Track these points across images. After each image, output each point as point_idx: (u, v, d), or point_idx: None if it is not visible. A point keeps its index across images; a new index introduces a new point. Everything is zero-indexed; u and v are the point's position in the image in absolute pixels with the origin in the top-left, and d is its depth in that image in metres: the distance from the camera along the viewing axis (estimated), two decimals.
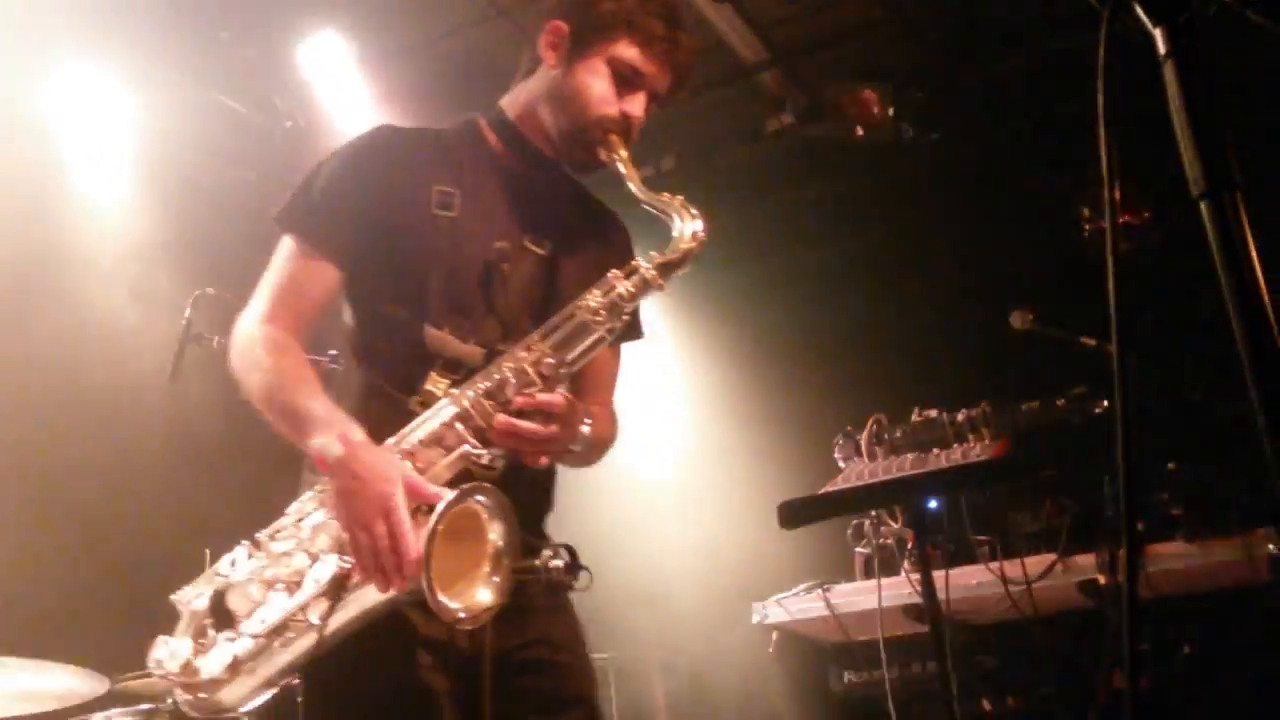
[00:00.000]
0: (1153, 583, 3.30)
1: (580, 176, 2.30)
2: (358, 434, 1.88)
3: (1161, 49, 1.16)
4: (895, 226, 5.60)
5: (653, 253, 2.08)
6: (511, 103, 2.26)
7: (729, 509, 5.25)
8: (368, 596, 1.83)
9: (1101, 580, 3.33)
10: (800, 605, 3.90)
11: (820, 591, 3.87)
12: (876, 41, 5.23)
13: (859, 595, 3.78)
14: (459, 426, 1.93)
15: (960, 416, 3.42)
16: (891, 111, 5.26)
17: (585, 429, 2.04)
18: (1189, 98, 1.12)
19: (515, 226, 2.17)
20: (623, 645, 5.11)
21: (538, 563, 1.91)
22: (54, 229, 4.13)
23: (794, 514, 3.17)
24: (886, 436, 3.49)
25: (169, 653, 1.85)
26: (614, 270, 2.05)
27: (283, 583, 1.85)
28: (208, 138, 4.66)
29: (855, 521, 3.87)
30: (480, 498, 1.81)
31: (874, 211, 5.69)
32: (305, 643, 1.82)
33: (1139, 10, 1.17)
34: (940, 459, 3.26)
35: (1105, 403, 3.33)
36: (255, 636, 1.83)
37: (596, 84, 2.15)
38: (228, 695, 1.84)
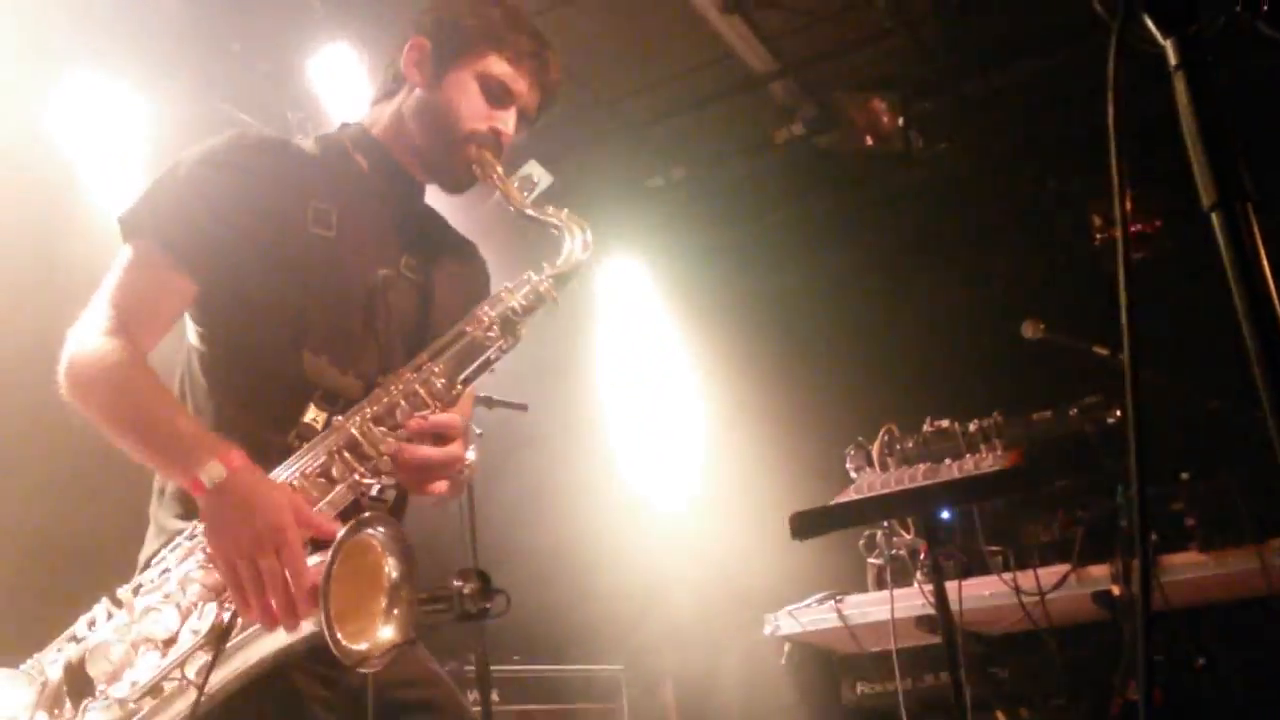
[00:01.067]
0: (1167, 594, 3.29)
1: (451, 195, 2.18)
2: (240, 458, 1.70)
3: (1172, 60, 1.16)
4: (905, 236, 5.61)
5: (544, 264, 2.02)
6: (375, 122, 2.16)
7: (741, 520, 5.24)
8: (253, 648, 1.67)
9: (1115, 591, 3.32)
10: (812, 616, 3.89)
11: (833, 602, 3.86)
12: (886, 52, 5.23)
13: (871, 606, 3.77)
14: (347, 455, 1.81)
15: (972, 426, 3.41)
16: (901, 121, 5.26)
17: (472, 454, 1.96)
18: (1199, 109, 1.12)
19: (392, 251, 2.07)
20: (634, 656, 5.11)
21: (448, 591, 1.81)
22: (64, 239, 4.13)
23: (806, 525, 3.16)
24: (898, 447, 3.49)
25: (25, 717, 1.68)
26: (505, 285, 1.99)
27: (152, 641, 1.69)
28: None
29: (867, 532, 3.87)
30: (375, 529, 1.68)
31: (884, 221, 5.69)
32: (181, 706, 1.65)
33: (1149, 22, 1.17)
34: (953, 469, 3.25)
35: (1118, 412, 3.32)
36: (123, 701, 1.66)
37: (466, 100, 2.07)
38: None
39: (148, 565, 1.82)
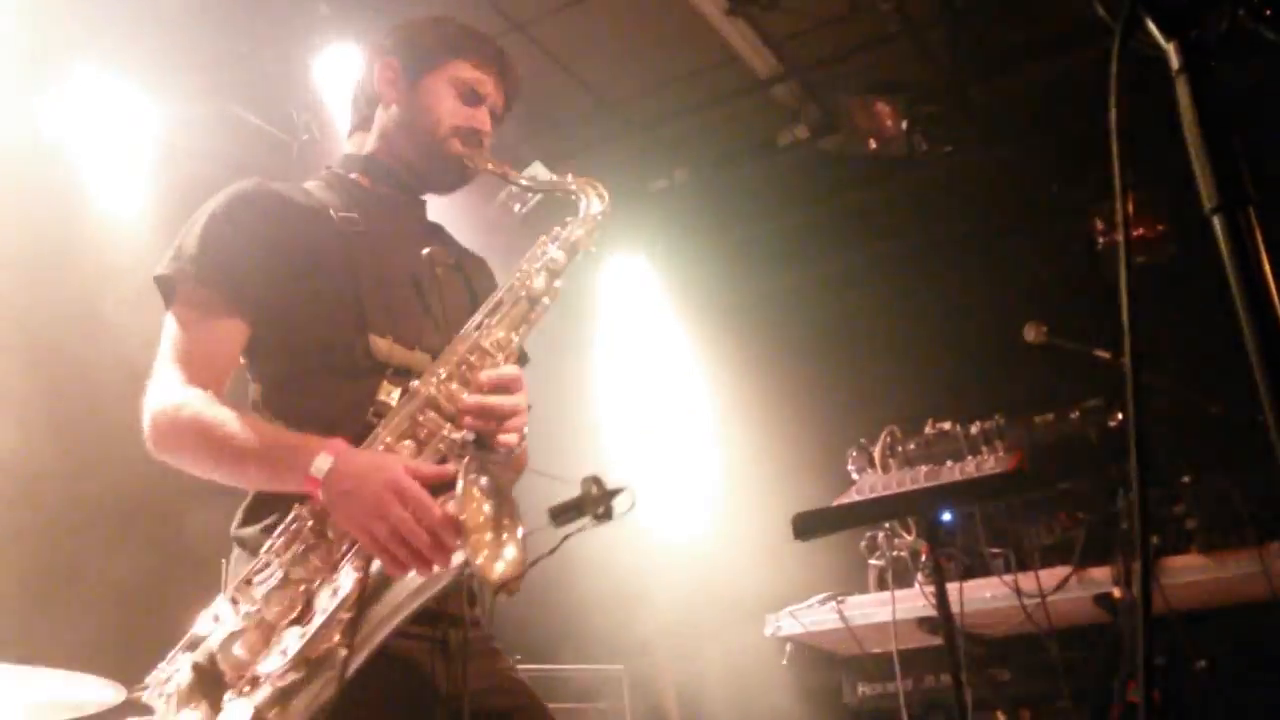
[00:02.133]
0: (1168, 596, 3.29)
1: (446, 194, 2.32)
2: (339, 443, 1.81)
3: (1174, 64, 1.17)
4: (909, 239, 5.62)
5: (569, 219, 2.16)
6: (361, 147, 2.29)
7: (743, 520, 5.25)
8: (390, 599, 1.74)
9: (1116, 593, 3.33)
10: (814, 617, 3.90)
11: (834, 603, 3.87)
12: (890, 55, 5.24)
13: (873, 607, 3.78)
14: (430, 414, 1.89)
15: (974, 429, 3.43)
16: (905, 125, 5.26)
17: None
18: (1202, 112, 1.13)
19: (420, 241, 2.19)
20: (636, 656, 5.12)
21: (579, 498, 1.85)
22: (72, 239, 4.16)
23: (808, 526, 3.17)
24: (900, 449, 3.50)
25: None
26: (541, 237, 2.12)
27: (287, 618, 1.74)
28: (225, 150, 4.69)
29: (869, 533, 3.88)
30: (476, 463, 1.76)
31: (887, 224, 5.70)
32: (330, 673, 1.69)
33: (1152, 25, 1.18)
34: (954, 471, 3.26)
35: (1119, 415, 3.33)
36: (272, 675, 1.69)
37: (443, 102, 2.21)
38: None
39: (248, 581, 1.84)
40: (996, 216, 5.37)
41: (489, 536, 1.70)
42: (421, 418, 1.89)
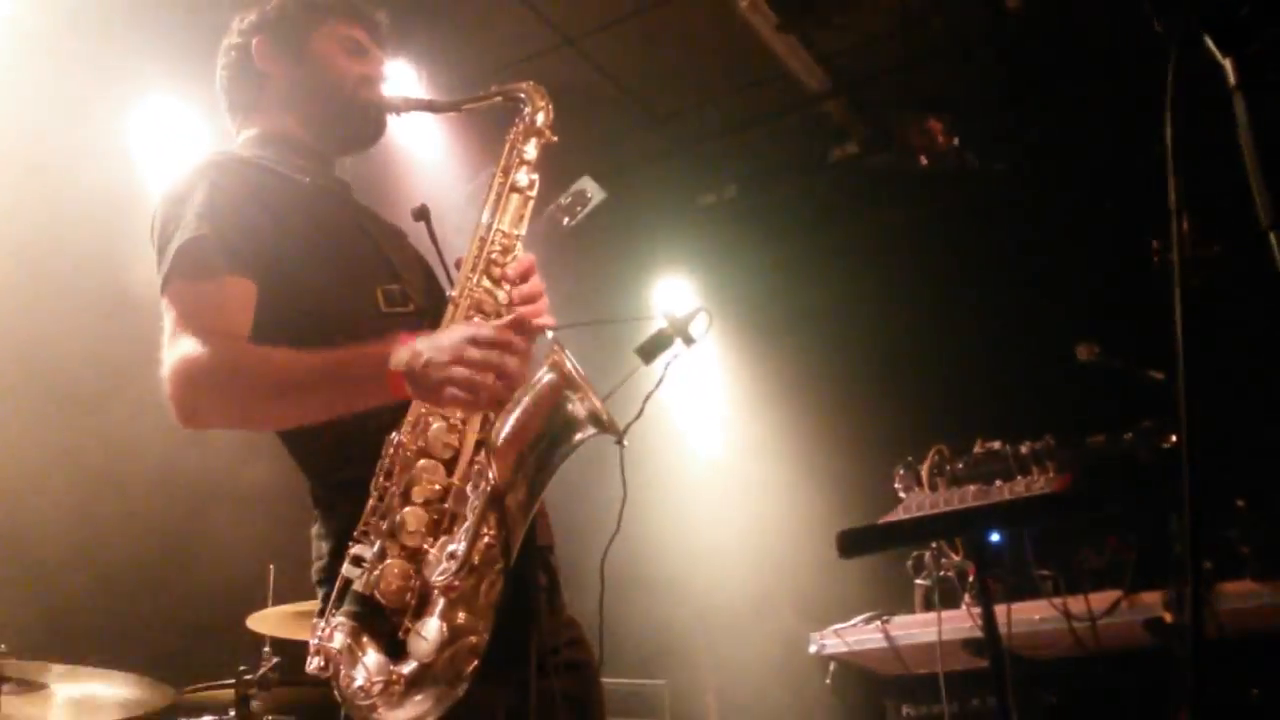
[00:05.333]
0: (1220, 622, 3.23)
1: (365, 149, 2.34)
2: (405, 335, 1.78)
3: (1231, 79, 1.15)
4: (960, 257, 5.57)
5: (519, 120, 2.22)
6: (267, 124, 2.25)
7: (788, 538, 5.22)
8: (520, 482, 1.76)
9: (1168, 618, 3.27)
10: (859, 636, 3.87)
11: (879, 623, 3.83)
12: (941, 71, 5.22)
13: (918, 628, 3.74)
14: (477, 316, 1.95)
15: (1024, 449, 3.38)
16: (956, 141, 5.24)
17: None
18: (1258, 128, 1.12)
19: (361, 206, 2.26)
20: (679, 671, 5.11)
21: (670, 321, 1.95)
22: (136, 249, 4.26)
23: (853, 543, 3.15)
24: (948, 467, 3.46)
25: (365, 674, 1.68)
26: (511, 132, 2.19)
27: (430, 536, 1.76)
28: None
29: (915, 553, 3.84)
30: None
31: (938, 242, 5.66)
32: (497, 567, 1.73)
33: (1209, 42, 1.16)
34: (1003, 491, 3.22)
35: (1173, 438, 3.28)
36: (448, 587, 1.70)
37: (337, 57, 2.25)
38: (441, 675, 1.69)
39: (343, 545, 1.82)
40: (1049, 233, 5.31)
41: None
42: (472, 317, 1.94)
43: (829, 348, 5.70)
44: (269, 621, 3.50)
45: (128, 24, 4.14)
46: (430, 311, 2.03)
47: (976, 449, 3.50)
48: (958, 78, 5.26)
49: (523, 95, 2.24)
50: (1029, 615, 3.52)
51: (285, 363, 1.81)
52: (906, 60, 5.17)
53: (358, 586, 1.74)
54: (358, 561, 1.75)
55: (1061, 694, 3.67)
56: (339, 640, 1.72)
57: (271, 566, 3.60)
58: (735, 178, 5.98)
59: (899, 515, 3.29)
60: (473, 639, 1.72)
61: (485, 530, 1.73)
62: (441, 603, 1.71)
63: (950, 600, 3.67)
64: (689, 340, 2.02)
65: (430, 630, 1.69)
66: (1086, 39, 4.93)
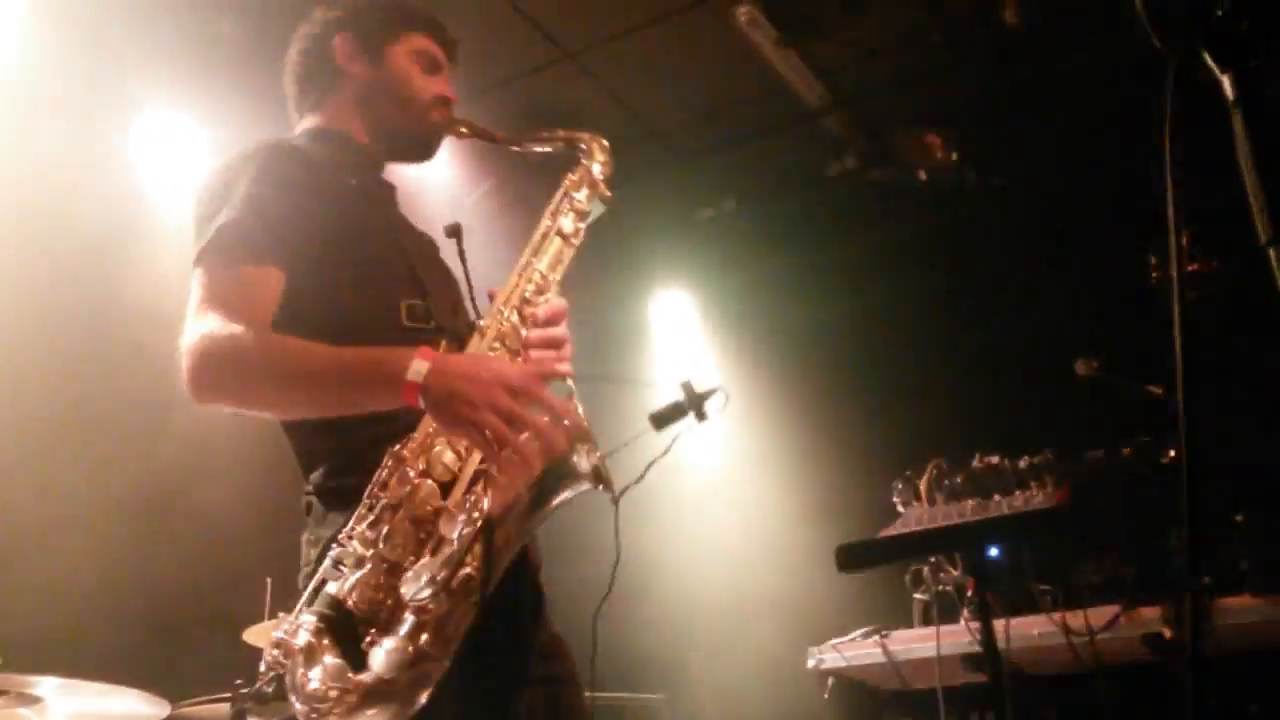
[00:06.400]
0: (1220, 638, 3.22)
1: (419, 162, 2.37)
2: (427, 349, 1.77)
3: (1230, 94, 1.15)
4: (959, 271, 5.57)
5: (577, 167, 2.26)
6: (330, 121, 2.28)
7: (786, 552, 5.21)
8: (512, 520, 1.75)
9: (1167, 634, 3.26)
10: (857, 651, 3.86)
11: (878, 638, 3.82)
12: (940, 86, 5.23)
13: (917, 642, 3.73)
14: (499, 348, 1.96)
15: (1023, 463, 3.37)
16: (955, 156, 5.25)
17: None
18: (1256, 144, 1.12)
19: (400, 215, 2.27)
20: (677, 686, 5.09)
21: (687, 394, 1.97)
22: (134, 257, 4.27)
23: (852, 558, 3.14)
24: (947, 482, 3.46)
25: (322, 677, 1.67)
26: (568, 176, 2.22)
27: (412, 553, 1.74)
28: None
29: (914, 567, 3.83)
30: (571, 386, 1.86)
31: (937, 257, 5.67)
32: (472, 598, 1.71)
33: (1207, 57, 1.17)
34: (1002, 505, 3.22)
35: (1172, 453, 3.27)
36: (420, 608, 1.68)
37: (414, 72, 2.28)
38: (397, 694, 1.67)
39: (330, 542, 1.82)
40: (1048, 249, 5.32)
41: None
42: (492, 352, 1.95)
43: (827, 361, 5.70)
44: (265, 635, 3.48)
45: (126, 36, 4.16)
46: (451, 331, 2.02)
47: (975, 463, 3.50)
48: (957, 93, 5.27)
49: (584, 145, 2.28)
50: (1028, 630, 3.51)
51: (301, 352, 1.82)
52: (906, 75, 5.18)
53: (332, 589, 1.73)
54: (337, 565, 1.74)
55: (1060, 709, 3.67)
56: (302, 638, 1.70)
57: (269, 580, 3.60)
58: (734, 191, 5.99)
59: (897, 529, 3.29)
60: (432, 665, 1.69)
61: (469, 560, 1.72)
62: (411, 622, 1.70)
63: (949, 615, 3.66)
64: (702, 416, 2.02)
65: (394, 646, 1.68)
66: (1086, 54, 4.94)
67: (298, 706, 1.68)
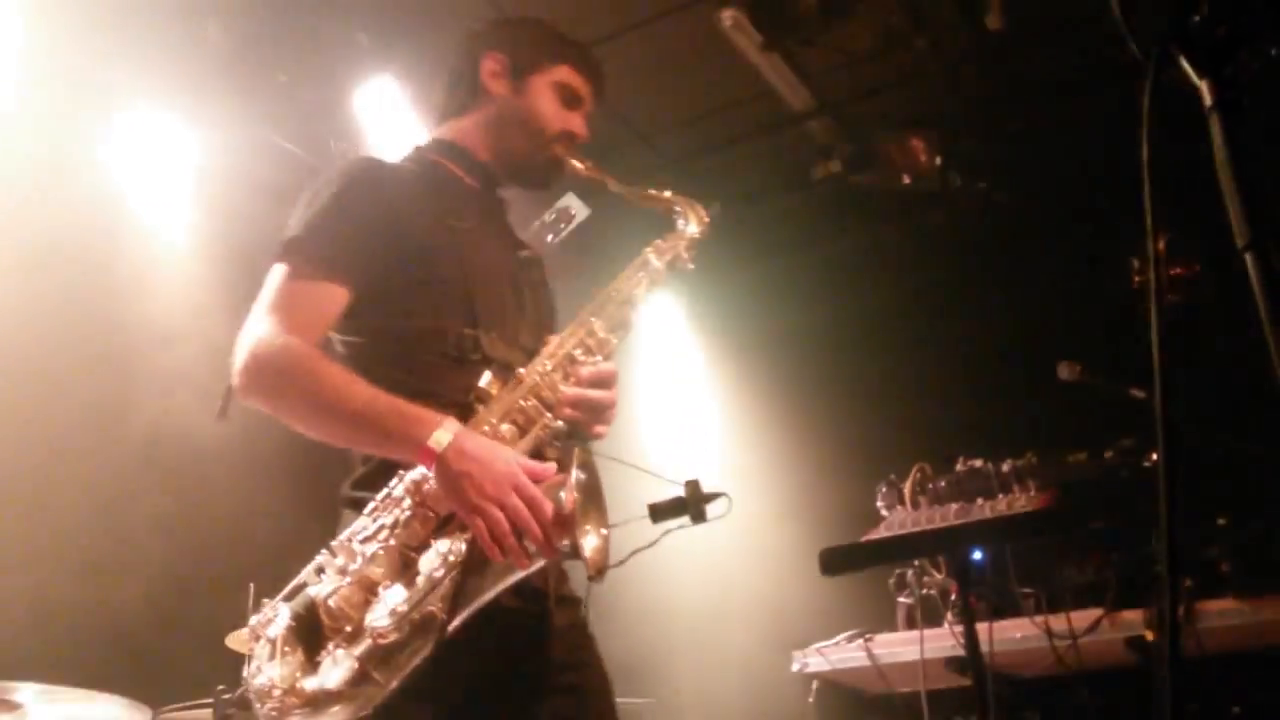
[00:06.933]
0: (1202, 640, 3.23)
1: (533, 191, 2.46)
2: (456, 422, 1.85)
3: (1207, 100, 1.16)
4: (942, 275, 5.59)
5: (669, 234, 2.34)
6: (460, 134, 2.35)
7: (771, 556, 5.21)
8: (490, 572, 1.79)
9: (1149, 637, 3.27)
10: (841, 655, 3.86)
11: (862, 641, 3.83)
12: (924, 90, 5.24)
13: (901, 646, 3.74)
14: (532, 401, 1.97)
15: (1006, 467, 3.38)
16: (939, 160, 5.26)
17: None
18: (1234, 149, 1.12)
19: (511, 239, 2.32)
20: (662, 690, 5.08)
21: (691, 494, 2.00)
22: (116, 262, 4.24)
23: (835, 561, 3.14)
24: (930, 485, 3.46)
25: (272, 675, 1.75)
26: (655, 241, 2.27)
27: (391, 578, 1.79)
28: (264, 178, 4.74)
29: (898, 571, 3.84)
30: (578, 469, 1.84)
31: (921, 260, 5.68)
32: (429, 636, 1.75)
33: (1184, 63, 1.17)
34: (985, 509, 3.22)
35: (1154, 455, 3.28)
36: (380, 634, 1.74)
37: (549, 104, 2.32)
38: (338, 710, 1.73)
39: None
40: (1031, 252, 5.34)
41: (586, 527, 1.80)
42: (524, 404, 1.97)
43: (811, 365, 5.71)
44: (247, 642, 3.47)
45: (108, 37, 4.13)
46: (502, 362, 2.05)
47: (959, 467, 3.50)
48: (941, 97, 5.28)
49: (679, 210, 2.38)
50: (1011, 633, 3.52)
51: (341, 385, 1.90)
52: (890, 79, 5.20)
53: (310, 593, 1.80)
54: (319, 571, 1.82)
55: (1044, 712, 3.68)
56: (274, 630, 1.79)
57: (251, 586, 3.58)
58: (718, 195, 5.97)
59: (881, 533, 3.29)
60: (374, 690, 1.74)
61: (437, 597, 1.76)
62: (367, 644, 1.75)
63: (933, 618, 3.67)
64: (699, 518, 2.05)
65: (345, 663, 1.74)
66: (1069, 58, 4.96)
67: (249, 693, 1.78)
